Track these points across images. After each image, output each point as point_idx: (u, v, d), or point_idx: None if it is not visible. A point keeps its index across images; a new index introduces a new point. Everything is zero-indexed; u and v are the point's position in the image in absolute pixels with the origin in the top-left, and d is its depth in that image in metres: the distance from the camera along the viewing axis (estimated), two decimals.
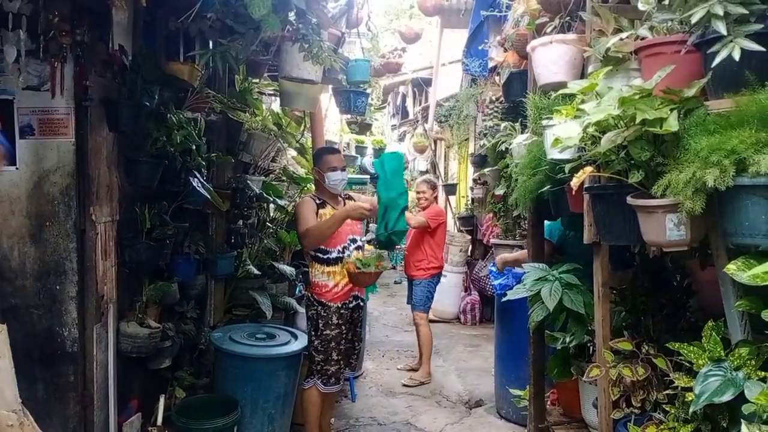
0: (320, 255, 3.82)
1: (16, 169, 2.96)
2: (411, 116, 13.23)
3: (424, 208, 6.10)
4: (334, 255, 3.80)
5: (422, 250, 5.92)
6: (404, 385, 5.67)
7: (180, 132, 3.48)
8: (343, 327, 3.84)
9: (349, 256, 3.78)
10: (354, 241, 3.91)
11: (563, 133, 1.85)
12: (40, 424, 2.30)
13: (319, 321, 3.80)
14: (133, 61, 3.30)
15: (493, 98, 5.36)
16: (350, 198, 4.10)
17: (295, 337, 4.05)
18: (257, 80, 5.05)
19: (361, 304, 4.05)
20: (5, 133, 2.94)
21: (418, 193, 6.13)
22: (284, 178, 5.92)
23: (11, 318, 2.87)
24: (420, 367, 5.98)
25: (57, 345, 3.02)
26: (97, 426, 3.14)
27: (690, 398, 1.82)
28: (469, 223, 8.71)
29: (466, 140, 8.95)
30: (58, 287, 3.01)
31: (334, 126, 11.74)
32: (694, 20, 1.62)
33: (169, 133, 3.42)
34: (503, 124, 4.18)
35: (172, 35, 3.73)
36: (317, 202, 3.86)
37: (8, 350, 1.93)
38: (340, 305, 3.81)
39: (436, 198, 6.35)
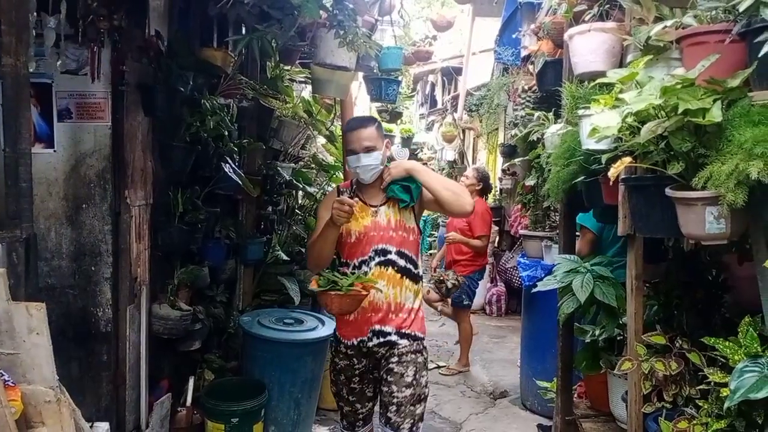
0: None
1: (54, 151, 3.02)
2: (440, 105, 13.17)
3: None
4: (349, 271, 2.71)
5: (465, 248, 5.83)
6: (441, 374, 5.69)
7: (213, 118, 3.51)
8: (357, 364, 2.80)
9: (366, 273, 2.70)
10: (383, 253, 2.73)
11: (601, 123, 1.82)
12: (73, 402, 2.36)
13: (331, 347, 2.99)
14: (168, 47, 3.33)
15: (526, 87, 5.30)
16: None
17: (322, 322, 4.08)
18: (288, 67, 5.06)
19: (399, 341, 2.74)
20: (44, 116, 3.00)
21: (464, 176, 6.08)
22: (313, 165, 5.95)
23: (47, 297, 2.91)
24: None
25: (91, 325, 3.09)
26: (129, 404, 3.21)
27: (725, 394, 1.79)
28: (496, 213, 8.64)
29: (495, 130, 8.88)
30: (93, 268, 3.07)
31: (363, 114, 11.72)
32: (741, 8, 1.58)
33: (202, 119, 3.46)
34: (536, 114, 4.14)
35: (205, 21, 3.76)
36: (349, 195, 2.70)
37: (46, 328, 1.98)
38: (356, 343, 2.76)
39: (480, 192, 6.00)
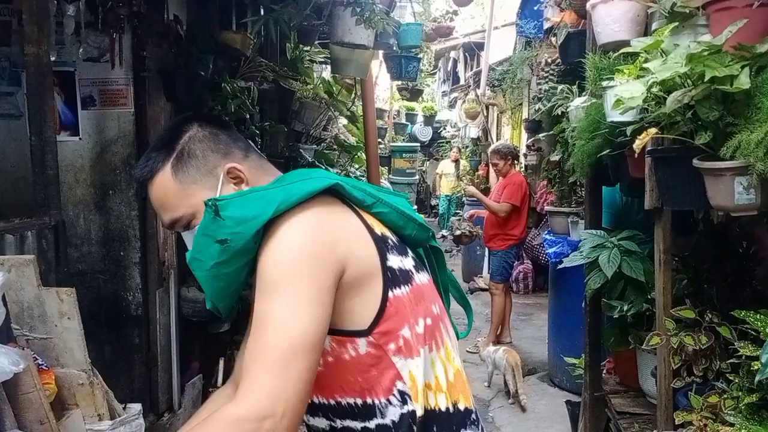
0: None
1: (80, 139, 3.06)
2: (462, 82, 13.00)
3: (504, 175, 6.04)
4: None
5: (499, 221, 5.85)
6: (468, 351, 5.67)
7: (234, 101, 3.52)
8: None
9: None
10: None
11: (626, 94, 1.77)
12: (107, 384, 2.41)
13: None
14: (187, 31, 3.34)
15: (549, 61, 5.19)
16: None
17: None
18: (308, 48, 5.04)
19: None
20: (68, 105, 3.03)
21: (492, 165, 6.23)
22: (336, 146, 5.94)
23: (79, 283, 2.98)
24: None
25: (122, 309, 3.15)
26: (161, 386, 3.28)
27: (756, 367, 1.76)
28: None
29: (519, 105, 8.76)
30: (122, 253, 3.12)
31: (384, 93, 11.65)
32: None
33: (223, 103, 3.47)
34: (560, 87, 4.06)
35: (224, 4, 3.75)
36: None
37: (77, 312, 2.01)
38: None
39: (513, 165, 6.17)
